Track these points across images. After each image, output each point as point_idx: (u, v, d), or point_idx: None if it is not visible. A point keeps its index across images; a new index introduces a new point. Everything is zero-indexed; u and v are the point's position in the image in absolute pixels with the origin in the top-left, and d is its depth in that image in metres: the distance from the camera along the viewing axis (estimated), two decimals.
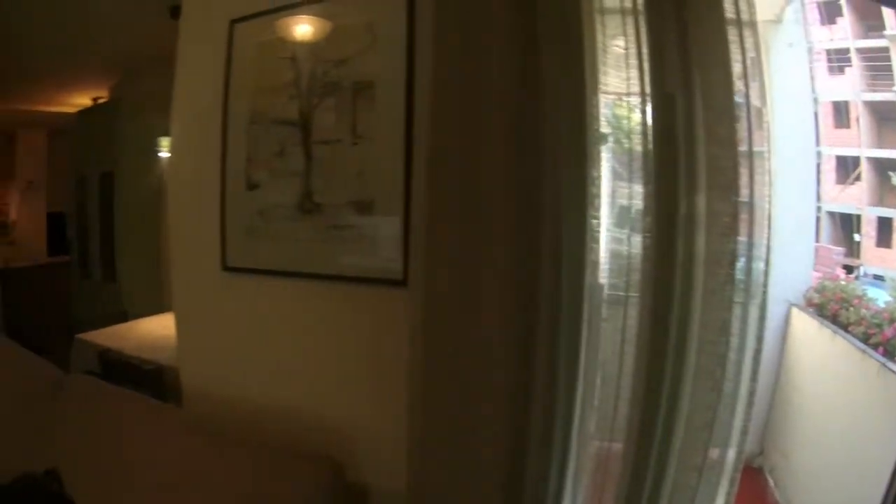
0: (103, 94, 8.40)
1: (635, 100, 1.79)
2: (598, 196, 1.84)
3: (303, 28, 2.49)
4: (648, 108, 1.73)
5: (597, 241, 1.86)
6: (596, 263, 1.88)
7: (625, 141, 1.92)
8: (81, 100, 8.67)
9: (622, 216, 1.90)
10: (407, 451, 2.15)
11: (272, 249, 2.55)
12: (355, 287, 2.35)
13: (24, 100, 8.53)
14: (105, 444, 2.65)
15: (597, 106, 1.84)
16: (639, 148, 1.78)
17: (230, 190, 2.66)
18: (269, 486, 2.15)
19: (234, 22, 2.69)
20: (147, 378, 3.88)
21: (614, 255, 1.90)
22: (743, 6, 1.65)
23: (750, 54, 1.65)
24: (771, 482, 4.54)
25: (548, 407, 1.87)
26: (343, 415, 2.44)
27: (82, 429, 2.80)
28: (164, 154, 6.16)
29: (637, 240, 1.82)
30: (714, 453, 1.74)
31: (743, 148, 1.65)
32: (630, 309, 1.82)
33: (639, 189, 1.80)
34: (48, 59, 6.74)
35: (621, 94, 1.85)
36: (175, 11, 4.90)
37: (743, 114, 1.66)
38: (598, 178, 1.85)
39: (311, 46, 2.45)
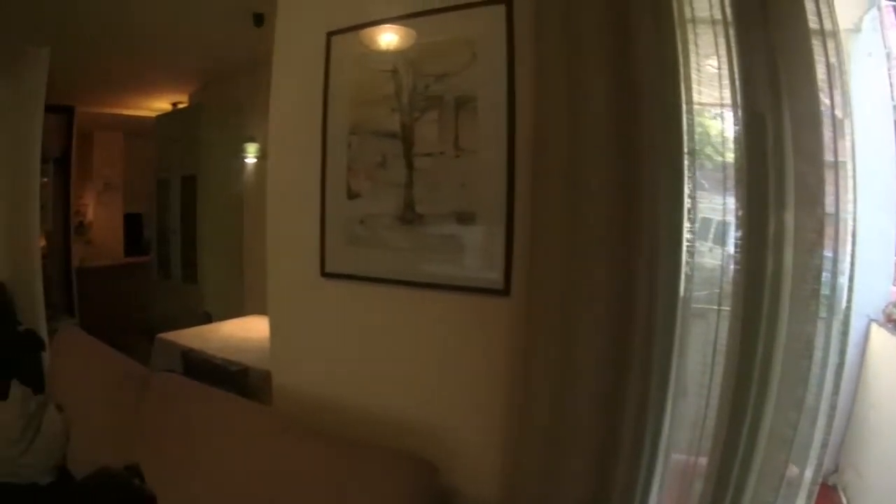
0: (183, 100, 8.60)
1: (726, 114, 1.81)
2: (692, 209, 1.86)
3: (403, 42, 2.54)
4: (739, 124, 1.75)
5: (690, 253, 1.87)
6: (690, 276, 1.89)
7: (714, 155, 1.94)
8: (160, 104, 8.88)
9: (705, 228, 1.92)
10: (503, 458, 2.20)
11: (372, 257, 2.60)
12: (454, 295, 2.39)
13: (102, 103, 8.77)
14: (191, 440, 2.71)
15: (691, 122, 1.86)
16: (729, 161, 1.80)
17: (330, 198, 2.73)
18: (367, 484, 2.16)
19: (330, 34, 2.75)
20: (232, 379, 3.94)
21: (698, 268, 1.91)
22: (825, 14, 1.67)
23: (833, 64, 1.66)
24: (844, 501, 4.48)
25: (639, 417, 1.89)
26: (436, 420, 2.47)
27: (167, 425, 2.87)
28: (250, 159, 6.23)
29: (719, 252, 1.84)
30: (793, 469, 1.74)
31: (828, 158, 1.67)
32: (721, 322, 1.84)
33: (720, 201, 1.83)
34: (130, 66, 6.95)
35: (713, 105, 1.87)
36: (259, 19, 5.05)
37: (828, 126, 1.67)
38: (693, 191, 1.87)
39: (412, 60, 2.49)
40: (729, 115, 1.80)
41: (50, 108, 6.24)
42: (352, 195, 2.64)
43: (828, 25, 1.67)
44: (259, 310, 6.08)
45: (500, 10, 2.24)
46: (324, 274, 2.77)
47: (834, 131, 1.67)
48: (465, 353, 2.39)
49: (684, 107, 1.85)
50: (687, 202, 1.86)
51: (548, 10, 2.09)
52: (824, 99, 1.67)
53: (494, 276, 2.27)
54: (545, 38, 2.10)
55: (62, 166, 8.57)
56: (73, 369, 3.67)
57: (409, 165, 2.46)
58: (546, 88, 2.09)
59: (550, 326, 2.05)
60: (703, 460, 1.86)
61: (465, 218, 2.34)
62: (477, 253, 2.34)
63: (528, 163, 2.17)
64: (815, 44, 1.66)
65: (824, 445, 1.73)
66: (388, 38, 2.59)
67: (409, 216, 2.46)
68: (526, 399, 2.14)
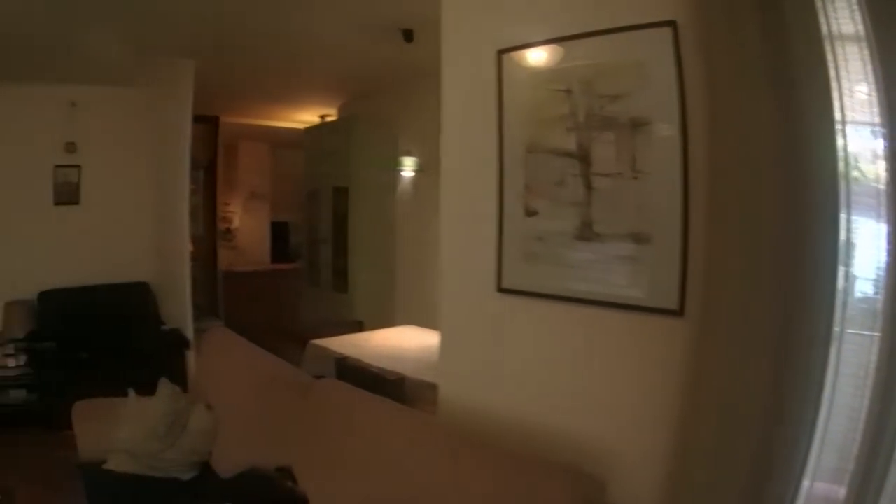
0: (331, 113, 8.87)
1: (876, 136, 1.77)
2: (848, 231, 1.83)
3: (575, 62, 2.55)
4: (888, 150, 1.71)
5: (846, 277, 1.84)
6: (846, 300, 1.86)
7: (864, 177, 1.90)
8: (307, 116, 9.18)
9: (856, 250, 1.87)
10: (662, 475, 2.20)
11: (548, 274, 2.62)
12: (628, 314, 2.38)
13: (248, 114, 9.15)
14: (352, 447, 2.74)
15: (845, 147, 1.83)
16: (875, 185, 1.76)
17: (508, 216, 2.76)
18: (534, 499, 2.13)
19: (501, 52, 2.78)
20: (388, 388, 3.96)
21: (852, 291, 1.87)
22: None
23: None
24: None
25: (792, 440, 1.87)
26: (599, 436, 2.47)
27: (327, 430, 2.91)
28: (407, 173, 6.36)
29: (872, 275, 1.80)
30: None
31: None
32: (873, 346, 1.80)
33: (873, 224, 1.78)
34: (276, 79, 7.27)
35: (863, 124, 1.83)
36: (408, 35, 5.15)
37: None
38: (849, 214, 1.83)
39: (586, 81, 2.50)
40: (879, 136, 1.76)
41: (196, 118, 6.60)
42: (529, 213, 2.67)
43: None
44: (411, 320, 6.24)
45: (667, 32, 2.23)
46: (500, 289, 2.81)
47: None
48: (634, 370, 2.39)
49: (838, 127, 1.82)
50: (843, 225, 1.82)
51: (713, 33, 2.13)
52: None
53: (669, 297, 2.25)
54: (711, 61, 2.13)
55: (209, 174, 8.92)
56: (222, 369, 3.82)
57: (588, 185, 2.46)
58: (716, 111, 2.11)
59: (722, 347, 2.05)
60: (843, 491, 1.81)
61: (641, 238, 2.34)
62: (652, 274, 2.32)
63: (702, 185, 2.17)
64: None
65: None
66: (560, 57, 2.60)
67: (587, 234, 2.47)
68: (694, 418, 2.15)
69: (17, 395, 5.92)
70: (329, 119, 8.98)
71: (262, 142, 11.31)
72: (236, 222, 11.11)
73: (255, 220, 11.31)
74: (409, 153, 6.49)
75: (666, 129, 2.27)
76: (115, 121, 7.03)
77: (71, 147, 6.76)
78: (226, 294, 9.11)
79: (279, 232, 11.63)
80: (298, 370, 3.55)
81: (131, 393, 3.62)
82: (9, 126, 6.49)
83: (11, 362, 5.97)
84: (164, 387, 3.59)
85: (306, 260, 8.59)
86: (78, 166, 6.88)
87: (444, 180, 3.13)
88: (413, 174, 6.63)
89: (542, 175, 2.63)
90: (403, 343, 5.21)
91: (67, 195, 6.85)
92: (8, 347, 6.03)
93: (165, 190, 6.87)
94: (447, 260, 3.14)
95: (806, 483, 1.89)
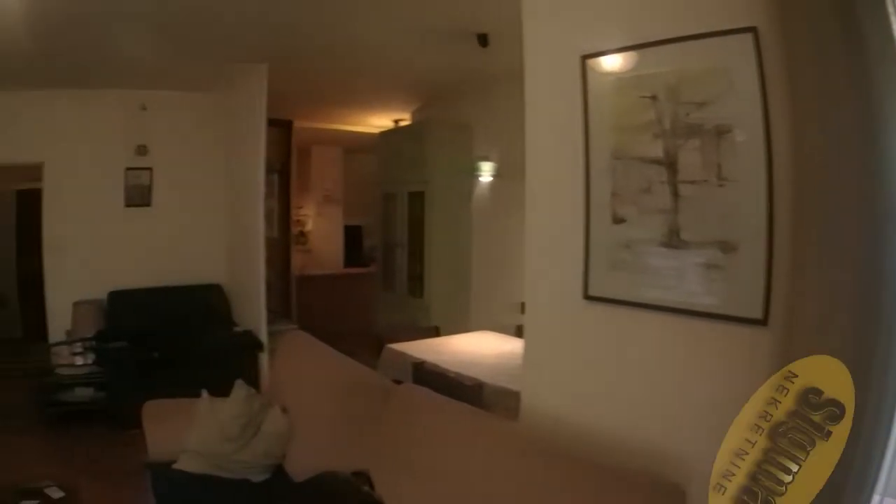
0: (404, 117, 8.90)
1: None
2: None
3: (659, 68, 2.50)
4: None
5: None
6: None
7: None
8: (380, 121, 9.20)
9: None
10: None
11: (634, 282, 2.57)
12: (712, 323, 2.34)
13: (320, 118, 9.23)
14: (432, 454, 2.73)
15: None
16: None
17: (595, 223, 2.72)
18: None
19: (585, 58, 2.74)
20: (466, 393, 3.89)
21: None
22: None
23: None
24: None
25: (865, 456, 1.83)
26: (679, 446, 2.41)
27: (407, 436, 2.91)
28: (485, 178, 6.33)
29: None
30: None
31: None
32: None
33: None
34: (350, 84, 7.33)
35: None
36: (483, 40, 5.14)
37: None
38: None
39: (671, 87, 2.45)
40: None
41: (270, 122, 6.64)
42: (616, 220, 2.63)
43: None
44: (485, 326, 6.18)
45: (748, 38, 2.18)
46: (586, 297, 2.77)
47: None
48: (718, 380, 2.34)
49: None
50: None
51: (792, 39, 2.09)
52: None
53: (753, 306, 2.21)
54: (791, 67, 2.09)
55: (282, 178, 9.00)
56: (299, 372, 3.83)
57: (675, 192, 2.42)
58: (798, 117, 2.08)
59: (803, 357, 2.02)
60: None
61: (727, 247, 2.28)
62: (737, 282, 2.28)
63: (786, 193, 2.13)
64: None
65: None
66: (644, 63, 2.55)
67: (673, 242, 2.42)
68: None
69: (84, 392, 6.04)
70: (403, 123, 8.99)
71: (334, 146, 11.40)
72: (309, 226, 11.21)
73: (328, 224, 11.41)
74: (486, 158, 6.46)
75: (750, 137, 2.23)
76: (187, 124, 7.22)
77: (142, 150, 6.95)
78: (299, 297, 9.17)
79: (352, 236, 11.69)
80: (377, 374, 3.55)
81: (204, 394, 3.65)
82: (82, 129, 6.71)
83: (79, 360, 6.12)
84: (240, 388, 3.62)
85: (381, 264, 8.60)
86: (149, 169, 7.06)
87: (529, 188, 3.09)
88: (491, 179, 6.59)
89: (628, 182, 2.58)
90: (481, 349, 5.16)
91: (139, 197, 7.06)
92: (76, 346, 6.17)
93: (239, 193, 6.99)
94: (532, 267, 3.11)
95: (876, 498, 1.86)
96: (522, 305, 5.77)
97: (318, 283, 9.74)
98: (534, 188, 3.08)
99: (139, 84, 6.73)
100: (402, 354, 4.90)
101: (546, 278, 3.03)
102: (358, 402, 3.26)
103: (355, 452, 3.04)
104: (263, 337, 6.35)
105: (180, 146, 7.19)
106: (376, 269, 9.86)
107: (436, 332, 5.76)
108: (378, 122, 9.39)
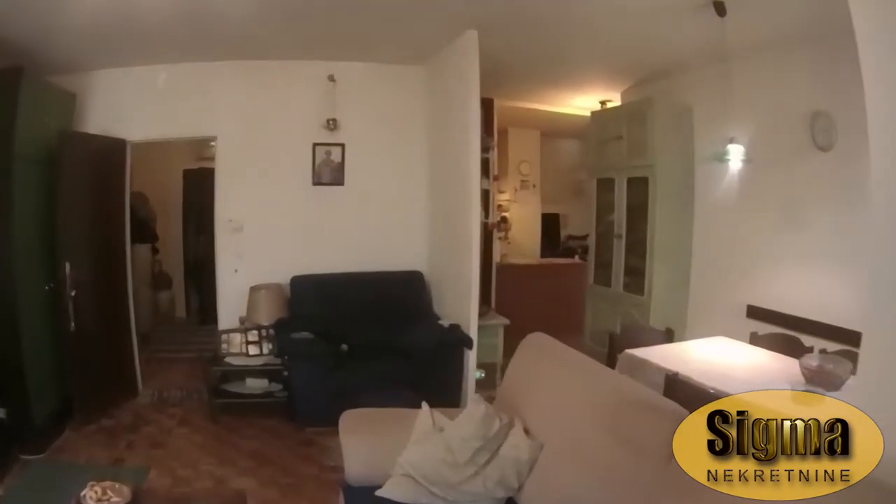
0: (611, 97, 8.21)
1: None
2: None
3: None
4: None
5: None
6: None
7: None
8: (585, 101, 8.58)
9: None
10: None
11: None
12: None
13: (523, 97, 8.60)
14: None
15: None
16: None
17: None
18: None
19: None
20: None
21: None
22: None
23: None
24: None
25: None
26: None
27: None
28: (734, 163, 5.53)
29: None
30: None
31: None
32: None
33: None
34: (560, 60, 6.69)
35: None
36: (720, 8, 4.42)
37: None
38: None
39: None
40: None
41: None
42: None
43: None
44: (705, 329, 5.53)
45: None
46: None
47: None
48: None
49: None
50: None
51: None
52: None
53: None
54: None
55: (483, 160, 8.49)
56: (544, 384, 3.26)
57: None
58: None
59: None
60: None
61: None
62: None
63: None
64: None
65: None
66: None
67: None
68: None
69: (257, 384, 5.75)
70: (611, 104, 8.25)
71: (531, 128, 10.77)
72: (509, 212, 10.60)
73: (525, 211, 10.78)
74: (732, 141, 5.60)
75: None
76: (382, 98, 6.75)
77: (332, 124, 6.49)
78: (497, 288, 8.59)
79: (548, 225, 11.11)
80: (657, 394, 2.87)
81: (425, 406, 3.25)
82: (261, 101, 6.41)
83: (254, 350, 5.76)
84: (476, 404, 3.07)
85: (594, 256, 7.85)
86: (341, 144, 6.60)
87: (877, 165, 2.40)
88: (741, 165, 5.69)
89: None
90: (725, 358, 4.46)
91: (329, 175, 6.63)
92: (251, 334, 5.82)
93: (446, 173, 6.41)
94: (880, 259, 2.40)
95: None
96: (749, 308, 5.16)
97: (518, 274, 9.06)
98: (883, 165, 2.38)
99: (327, 55, 6.33)
100: (645, 362, 4.26)
101: None
102: (635, 428, 2.56)
103: (635, 493, 2.38)
104: (473, 333, 5.65)
105: (375, 122, 6.71)
106: (579, 262, 9.42)
107: (669, 337, 5.01)
108: (581, 102, 8.70)
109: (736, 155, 5.17)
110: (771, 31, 4.98)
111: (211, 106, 6.27)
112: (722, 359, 4.47)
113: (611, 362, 4.69)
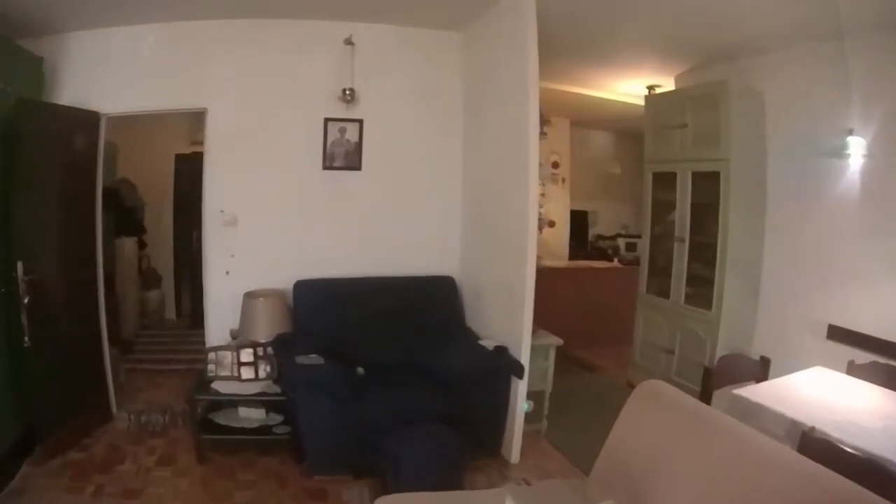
0: (662, 83, 7.37)
1: None
2: None
3: None
4: None
5: None
6: None
7: None
8: (629, 86, 7.81)
9: None
10: None
11: None
12: None
13: (560, 78, 7.72)
14: None
15: None
16: None
17: None
18: None
19: None
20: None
21: None
22: None
23: None
24: None
25: None
26: None
27: None
28: (854, 159, 4.58)
29: None
30: None
31: None
32: None
33: None
34: (616, 36, 5.90)
35: None
36: None
37: None
38: None
39: None
40: None
41: None
42: None
43: None
44: (774, 350, 4.56)
45: None
46: None
47: None
48: None
49: None
50: None
51: None
52: None
53: None
54: None
55: None
56: (679, 462, 2.39)
57: None
58: None
59: None
60: None
61: None
62: None
63: None
64: None
65: None
66: None
67: None
68: None
69: (251, 414, 4.71)
70: (659, 90, 7.38)
71: (563, 117, 9.84)
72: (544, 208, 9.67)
73: (555, 208, 9.80)
74: (851, 132, 4.66)
75: None
76: (412, 67, 5.78)
77: (349, 95, 5.45)
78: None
79: (575, 223, 10.21)
80: (859, 487, 1.94)
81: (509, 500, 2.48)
82: (273, 69, 5.47)
83: (247, 373, 4.71)
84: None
85: (647, 262, 6.88)
86: (359, 121, 5.60)
87: None
88: (862, 160, 4.74)
89: None
90: (842, 398, 3.55)
91: (343, 157, 5.63)
92: (245, 353, 4.76)
93: (489, 162, 5.42)
94: None
95: None
96: (830, 328, 4.84)
97: (550, 278, 8.05)
98: None
99: (344, 14, 5.38)
100: (762, 408, 3.29)
101: None
102: None
103: None
104: (525, 359, 4.62)
105: (400, 95, 5.73)
106: (617, 266, 8.82)
107: (765, 368, 4.00)
108: (626, 87, 7.87)
109: (857, 149, 4.39)
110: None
111: (200, 73, 5.29)
112: (839, 399, 3.57)
113: (704, 401, 3.67)
